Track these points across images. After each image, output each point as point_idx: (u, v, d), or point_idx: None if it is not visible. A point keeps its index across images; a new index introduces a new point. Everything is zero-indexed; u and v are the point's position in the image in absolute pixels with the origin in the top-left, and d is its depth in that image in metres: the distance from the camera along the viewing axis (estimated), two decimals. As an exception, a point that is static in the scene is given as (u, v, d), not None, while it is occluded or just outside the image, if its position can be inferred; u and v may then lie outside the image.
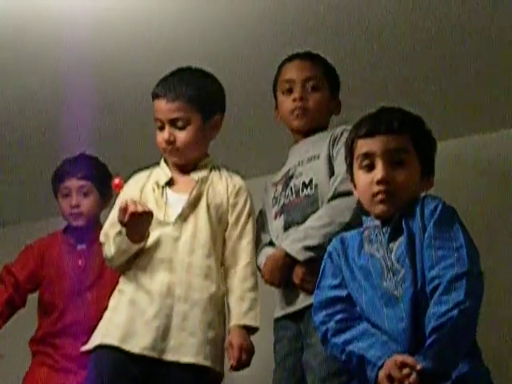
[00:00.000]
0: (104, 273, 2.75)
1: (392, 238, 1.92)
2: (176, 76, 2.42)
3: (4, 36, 2.78)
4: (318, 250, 2.16)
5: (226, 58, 2.83)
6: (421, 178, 1.97)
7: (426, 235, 1.85)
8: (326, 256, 2.04)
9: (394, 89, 2.91)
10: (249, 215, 2.39)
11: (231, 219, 2.37)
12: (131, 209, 2.20)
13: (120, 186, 2.30)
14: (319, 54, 2.49)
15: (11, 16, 2.69)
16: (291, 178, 2.39)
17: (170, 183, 2.41)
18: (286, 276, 2.25)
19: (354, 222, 2.16)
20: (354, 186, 2.03)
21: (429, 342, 1.73)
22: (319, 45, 2.57)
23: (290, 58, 2.49)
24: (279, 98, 2.47)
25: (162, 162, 2.46)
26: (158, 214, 2.32)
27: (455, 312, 1.73)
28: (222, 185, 2.41)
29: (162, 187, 2.39)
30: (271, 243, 2.39)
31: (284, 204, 2.37)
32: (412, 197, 1.94)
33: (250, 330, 2.28)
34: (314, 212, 2.27)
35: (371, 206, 1.96)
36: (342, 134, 2.33)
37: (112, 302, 2.34)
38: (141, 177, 2.46)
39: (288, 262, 2.24)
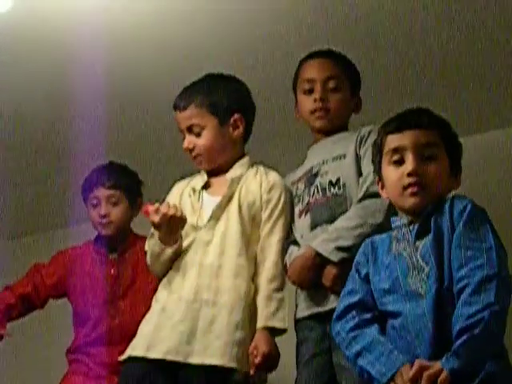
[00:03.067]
0: (136, 280, 2.78)
1: (419, 236, 1.91)
2: (189, 86, 2.46)
3: (12, 43, 2.82)
4: (351, 250, 2.14)
5: (239, 59, 2.86)
6: (449, 175, 1.97)
7: (455, 235, 1.84)
8: (353, 265, 2.03)
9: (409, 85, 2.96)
10: (282, 212, 2.36)
11: (264, 216, 2.36)
12: (163, 210, 2.25)
13: (148, 213, 2.31)
14: (340, 52, 2.46)
15: (20, 21, 2.72)
16: (315, 175, 2.36)
17: (206, 186, 2.44)
18: (315, 277, 2.22)
19: (385, 224, 2.14)
20: (382, 185, 2.03)
21: (459, 341, 1.72)
22: (338, 43, 2.56)
23: (311, 56, 2.46)
24: (299, 96, 2.45)
25: (202, 171, 2.48)
26: (193, 219, 2.36)
27: (486, 313, 1.72)
28: (255, 182, 2.40)
29: (199, 192, 2.42)
30: (295, 242, 2.36)
31: (309, 202, 2.33)
32: (441, 193, 1.94)
33: (277, 332, 2.26)
34: (342, 212, 2.25)
35: (401, 200, 1.95)
36: (369, 133, 2.32)
37: (148, 312, 2.36)
38: (180, 185, 2.49)
39: (318, 262, 2.20)
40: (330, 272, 2.19)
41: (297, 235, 2.36)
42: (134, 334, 2.34)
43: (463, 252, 1.82)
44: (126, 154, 3.18)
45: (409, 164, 1.92)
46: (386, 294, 1.93)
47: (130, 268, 2.79)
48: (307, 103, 2.41)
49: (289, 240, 2.37)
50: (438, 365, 1.72)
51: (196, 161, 2.44)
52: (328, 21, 2.74)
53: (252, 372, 2.21)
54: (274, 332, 2.26)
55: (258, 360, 2.19)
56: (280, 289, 2.29)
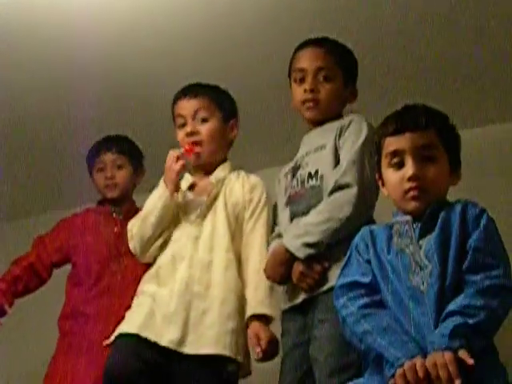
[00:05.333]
0: None
1: (423, 234, 1.92)
2: (196, 83, 2.54)
3: (12, 34, 2.83)
4: (318, 246, 2.15)
5: (235, 50, 2.87)
6: (449, 173, 1.98)
7: (474, 238, 1.85)
8: (352, 247, 2.02)
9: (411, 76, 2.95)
10: (262, 210, 2.44)
11: (247, 214, 2.43)
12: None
13: (190, 151, 2.42)
14: (335, 40, 2.41)
15: (19, 14, 2.73)
16: (298, 168, 2.35)
17: (191, 188, 2.50)
18: (287, 272, 2.21)
19: (358, 216, 2.14)
20: (383, 184, 2.03)
21: (452, 325, 1.73)
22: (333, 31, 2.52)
23: (304, 45, 2.43)
24: (292, 86, 2.43)
25: (187, 173, 2.55)
26: (180, 215, 2.45)
27: (483, 314, 1.74)
28: (238, 184, 2.48)
29: (184, 191, 2.48)
30: (279, 235, 2.36)
31: (290, 195, 2.33)
32: (443, 192, 1.97)
33: (266, 320, 2.29)
34: (318, 202, 2.22)
35: (403, 203, 1.96)
36: (349, 123, 2.29)
37: (133, 303, 2.40)
38: None
39: (288, 257, 2.20)
40: (296, 268, 2.18)
41: (281, 228, 2.36)
42: (134, 291, 2.41)
43: (482, 257, 1.83)
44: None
45: (409, 168, 1.93)
46: (385, 286, 1.92)
47: None
48: (298, 93, 2.38)
49: (273, 235, 2.38)
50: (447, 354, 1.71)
51: (192, 151, 2.46)
52: (326, 15, 2.74)
53: (260, 354, 2.23)
54: (262, 319, 2.28)
55: (264, 345, 2.23)
56: (267, 279, 2.30)
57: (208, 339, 2.24)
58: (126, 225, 2.75)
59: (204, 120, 2.47)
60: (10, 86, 3.10)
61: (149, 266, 2.48)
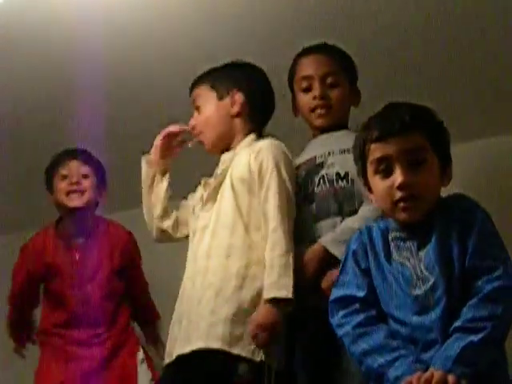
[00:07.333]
0: (103, 264, 2.78)
1: (421, 245, 1.85)
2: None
3: (13, 39, 2.79)
4: None
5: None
6: (440, 174, 1.88)
7: (471, 242, 1.79)
8: (349, 251, 1.95)
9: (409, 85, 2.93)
10: (271, 175, 2.23)
11: (257, 185, 2.25)
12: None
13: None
14: (335, 45, 2.41)
15: (20, 17, 2.70)
16: (321, 166, 2.31)
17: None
18: (319, 271, 2.15)
19: None
20: (369, 190, 1.93)
21: (458, 346, 1.70)
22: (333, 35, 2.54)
23: (306, 52, 2.42)
24: (298, 95, 2.41)
25: None
26: (197, 208, 2.37)
27: (489, 324, 1.70)
28: (245, 154, 2.30)
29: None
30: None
31: (314, 192, 2.29)
32: (436, 196, 1.87)
33: (282, 302, 2.10)
34: (350, 207, 2.22)
35: (394, 213, 1.86)
36: None
37: None
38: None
39: (326, 258, 2.15)
40: (331, 275, 2.11)
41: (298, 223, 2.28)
42: (101, 317, 2.48)
43: (480, 261, 1.77)
44: (126, 152, 3.19)
45: (397, 176, 1.82)
46: (390, 299, 1.87)
47: (96, 251, 2.77)
48: (306, 101, 2.37)
49: None
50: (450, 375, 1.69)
51: (201, 142, 2.42)
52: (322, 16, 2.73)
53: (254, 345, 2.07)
54: (278, 303, 2.10)
55: (249, 328, 2.07)
56: (283, 254, 2.14)
57: (199, 332, 2.11)
58: (87, 249, 2.77)
59: (197, 109, 2.40)
60: (8, 96, 3.07)
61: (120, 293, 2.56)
